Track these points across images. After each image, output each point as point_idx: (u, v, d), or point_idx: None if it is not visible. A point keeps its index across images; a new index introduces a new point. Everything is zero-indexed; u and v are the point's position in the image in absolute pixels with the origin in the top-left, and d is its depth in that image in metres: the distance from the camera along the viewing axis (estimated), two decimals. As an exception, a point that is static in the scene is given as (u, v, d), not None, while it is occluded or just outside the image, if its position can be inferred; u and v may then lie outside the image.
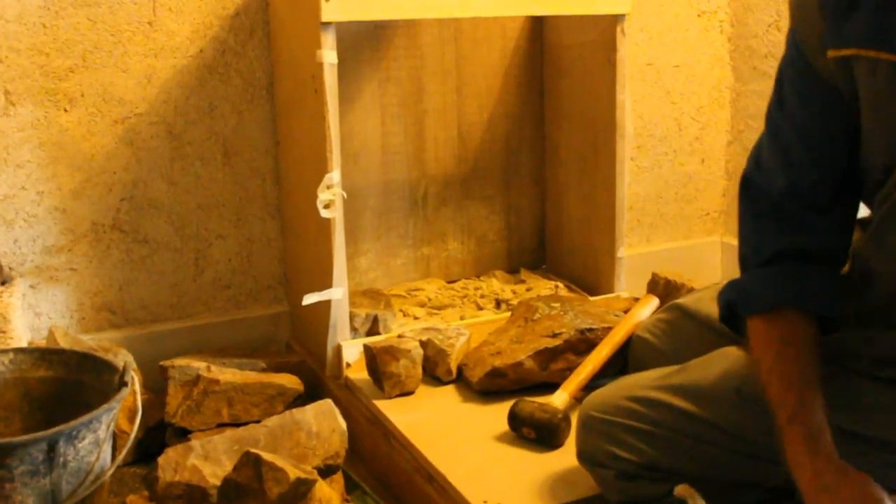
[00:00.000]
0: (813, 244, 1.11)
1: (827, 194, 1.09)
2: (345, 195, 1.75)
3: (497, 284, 2.19)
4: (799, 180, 1.10)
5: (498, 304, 2.09)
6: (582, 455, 1.32)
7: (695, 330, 1.44)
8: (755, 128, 2.43)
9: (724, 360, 1.24)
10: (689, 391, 1.23)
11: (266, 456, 1.33)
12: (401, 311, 2.03)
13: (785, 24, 2.42)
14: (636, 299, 1.91)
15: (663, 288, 1.94)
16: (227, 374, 1.69)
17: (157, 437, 1.69)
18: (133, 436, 1.43)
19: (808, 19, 1.04)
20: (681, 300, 1.53)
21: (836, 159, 1.08)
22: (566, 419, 1.49)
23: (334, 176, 1.71)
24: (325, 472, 1.49)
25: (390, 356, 1.67)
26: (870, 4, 0.96)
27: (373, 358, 1.69)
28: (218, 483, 1.40)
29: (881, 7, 0.95)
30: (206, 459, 1.46)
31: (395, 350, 1.67)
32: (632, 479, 1.26)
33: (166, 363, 1.73)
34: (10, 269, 1.82)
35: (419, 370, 1.69)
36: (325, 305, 1.77)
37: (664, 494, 1.26)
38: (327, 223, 1.73)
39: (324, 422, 1.52)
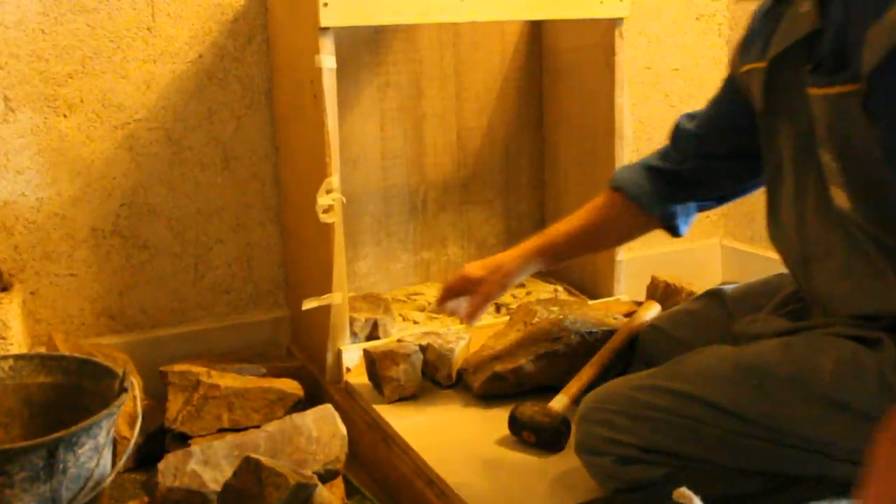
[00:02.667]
0: (677, 172, 1.54)
1: (704, 149, 1.52)
2: (344, 200, 1.75)
3: (497, 288, 2.18)
4: (696, 133, 1.53)
5: (497, 308, 2.09)
6: (580, 446, 1.34)
7: (722, 321, 1.48)
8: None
9: (718, 349, 1.30)
10: (687, 374, 1.28)
11: (266, 461, 1.33)
12: (400, 315, 2.03)
13: (783, 27, 2.42)
14: (638, 303, 1.92)
15: (663, 291, 1.94)
16: (227, 379, 1.69)
17: (157, 442, 1.69)
18: (133, 441, 1.43)
19: (735, 49, 1.44)
20: (723, 287, 1.57)
21: (723, 132, 1.50)
22: (566, 423, 1.49)
23: (334, 181, 1.72)
24: (326, 477, 1.49)
25: (390, 361, 1.67)
26: (759, 38, 1.34)
27: (372, 363, 1.69)
28: (218, 489, 1.40)
29: (760, 36, 1.34)
30: (207, 465, 1.46)
31: (394, 355, 1.67)
32: (630, 462, 1.28)
33: (166, 368, 1.73)
34: (10, 275, 1.82)
35: (419, 374, 1.69)
36: (325, 310, 1.78)
37: (661, 479, 1.27)
38: (327, 228, 1.74)
39: (324, 427, 1.52)
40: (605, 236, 1.64)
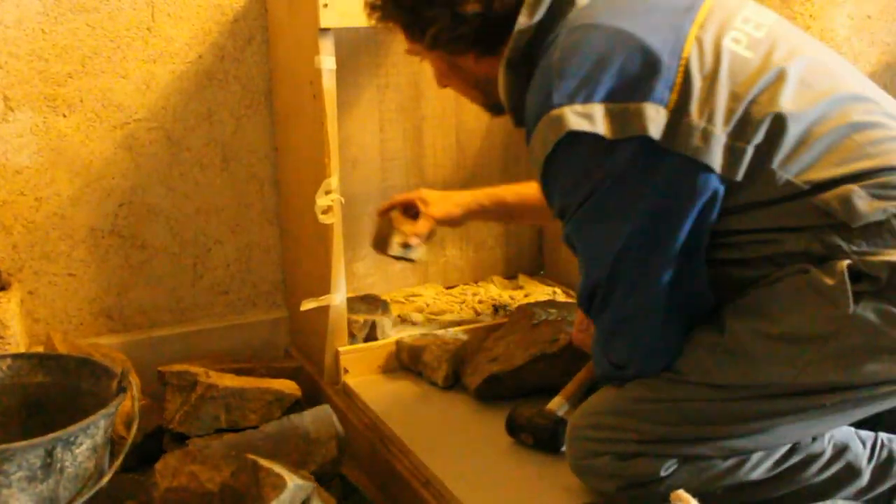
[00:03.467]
0: None
1: None
2: (343, 201, 1.75)
3: (495, 290, 2.19)
4: None
5: (496, 309, 2.10)
6: (576, 456, 1.36)
7: None
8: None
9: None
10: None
11: (263, 462, 1.34)
12: (399, 316, 2.03)
13: (783, 30, 2.42)
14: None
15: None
16: (225, 379, 1.69)
17: (155, 442, 1.69)
18: (131, 441, 1.43)
19: None
20: None
21: None
22: (564, 425, 1.49)
23: (333, 181, 1.72)
24: (323, 477, 1.49)
25: (426, 341, 1.76)
26: None
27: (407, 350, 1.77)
28: (216, 489, 1.40)
29: None
30: (204, 465, 1.46)
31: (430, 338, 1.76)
32: (629, 457, 1.30)
33: (164, 369, 1.73)
34: (8, 274, 1.82)
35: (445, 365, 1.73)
36: (323, 311, 1.78)
37: (661, 474, 1.29)
38: (326, 229, 1.74)
39: (321, 427, 1.53)
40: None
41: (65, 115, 1.84)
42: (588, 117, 1.18)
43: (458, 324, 1.96)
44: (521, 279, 2.27)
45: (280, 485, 1.31)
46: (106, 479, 1.40)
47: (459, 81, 1.46)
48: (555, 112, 1.20)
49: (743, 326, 1.24)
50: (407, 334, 1.85)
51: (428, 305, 2.09)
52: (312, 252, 1.82)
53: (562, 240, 1.34)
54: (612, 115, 1.18)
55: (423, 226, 1.69)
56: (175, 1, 1.87)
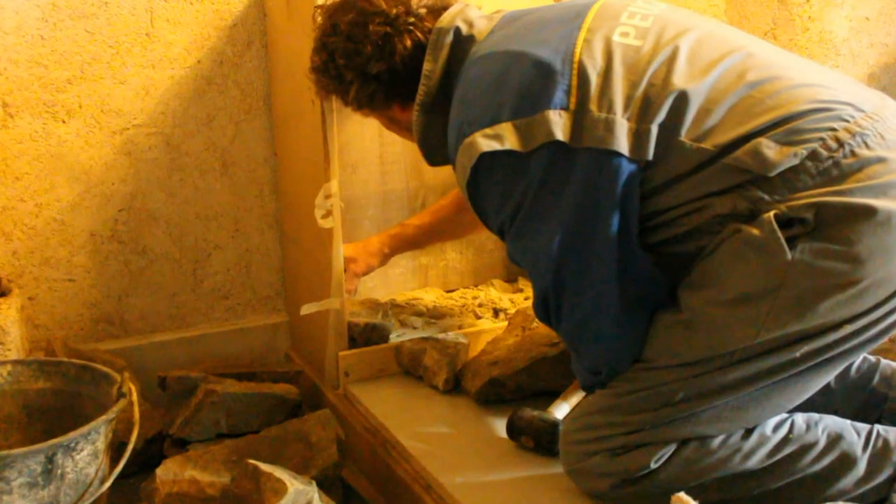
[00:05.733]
0: None
1: None
2: (343, 205, 1.75)
3: (495, 293, 2.19)
4: None
5: (496, 312, 2.09)
6: (570, 459, 1.38)
7: None
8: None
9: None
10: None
11: (264, 466, 1.34)
12: (399, 320, 2.03)
13: (782, 31, 2.42)
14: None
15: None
16: (225, 384, 1.69)
17: (155, 447, 1.69)
18: (131, 447, 1.43)
19: None
20: None
21: None
22: (565, 428, 1.49)
23: (332, 185, 1.72)
24: (324, 481, 1.49)
25: (426, 345, 1.75)
26: None
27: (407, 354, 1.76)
28: (216, 494, 1.40)
29: None
30: (205, 470, 1.46)
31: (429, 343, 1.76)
32: (621, 452, 1.32)
33: (165, 374, 1.73)
34: (8, 280, 1.82)
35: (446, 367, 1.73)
36: (324, 315, 1.78)
37: (652, 466, 1.30)
38: (326, 233, 1.74)
39: (322, 432, 1.53)
40: (456, 227, 1.95)
41: (64, 121, 1.84)
42: (497, 137, 1.27)
43: (459, 327, 1.96)
44: (521, 282, 2.26)
45: (281, 490, 1.31)
46: (107, 485, 1.40)
47: (399, 130, 1.61)
48: (467, 140, 1.30)
49: (696, 299, 1.27)
50: (407, 338, 1.84)
51: (428, 309, 2.09)
52: (312, 256, 1.83)
53: (508, 257, 1.41)
54: (519, 130, 1.26)
55: (351, 283, 1.87)
56: (174, 6, 1.88)
